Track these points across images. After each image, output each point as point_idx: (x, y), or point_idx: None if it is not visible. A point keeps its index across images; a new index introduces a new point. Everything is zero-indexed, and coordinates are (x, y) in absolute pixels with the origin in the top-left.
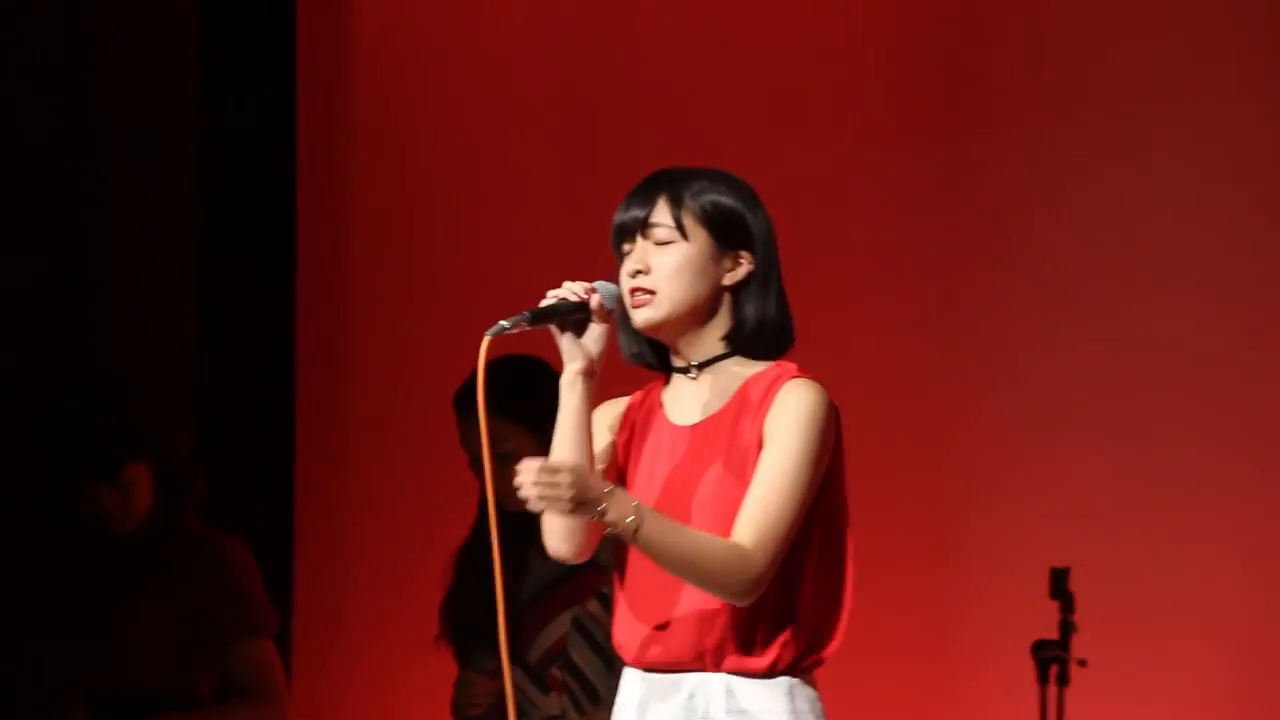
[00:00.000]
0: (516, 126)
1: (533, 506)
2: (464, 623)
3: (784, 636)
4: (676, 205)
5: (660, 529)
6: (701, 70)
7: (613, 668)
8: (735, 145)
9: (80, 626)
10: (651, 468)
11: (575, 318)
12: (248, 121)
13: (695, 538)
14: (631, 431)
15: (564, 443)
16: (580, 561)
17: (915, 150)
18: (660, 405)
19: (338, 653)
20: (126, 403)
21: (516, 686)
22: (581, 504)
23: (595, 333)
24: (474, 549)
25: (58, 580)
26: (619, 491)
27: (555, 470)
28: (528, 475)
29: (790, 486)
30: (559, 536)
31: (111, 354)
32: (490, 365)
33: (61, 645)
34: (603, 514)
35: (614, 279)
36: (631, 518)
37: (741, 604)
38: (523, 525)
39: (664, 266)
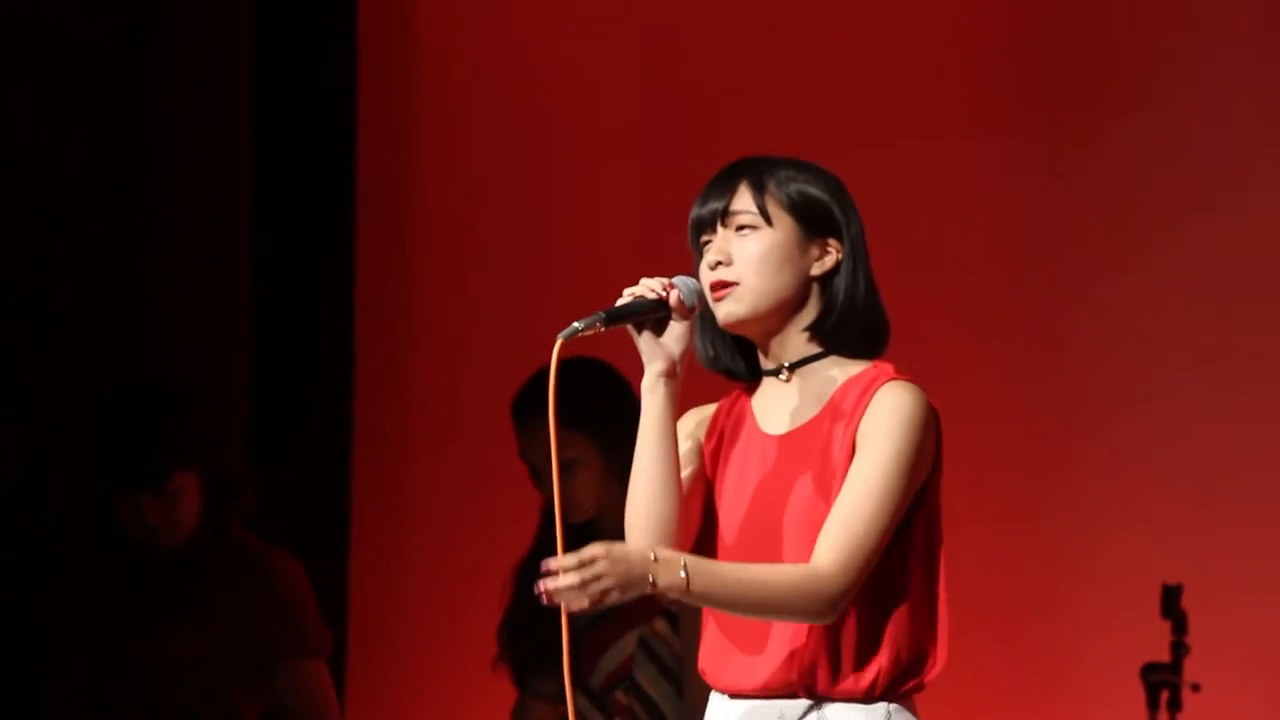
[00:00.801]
0: (587, 116)
1: (578, 606)
2: (522, 643)
3: (881, 659)
4: (759, 191)
5: (715, 577)
6: (793, 59)
7: (681, 692)
8: (833, 137)
9: (123, 644)
10: (740, 479)
11: (654, 316)
12: (305, 115)
13: (758, 575)
14: (720, 439)
15: (647, 449)
16: None
17: (1026, 146)
18: (750, 411)
19: (393, 675)
20: (173, 408)
21: (578, 712)
22: (630, 584)
23: (676, 331)
24: (534, 564)
25: (100, 596)
26: (662, 553)
27: (590, 561)
28: (564, 579)
29: (879, 499)
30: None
31: (160, 358)
32: (549, 369)
33: (103, 663)
34: (653, 585)
35: (693, 275)
36: (681, 575)
37: (824, 623)
38: (586, 538)
39: (747, 255)
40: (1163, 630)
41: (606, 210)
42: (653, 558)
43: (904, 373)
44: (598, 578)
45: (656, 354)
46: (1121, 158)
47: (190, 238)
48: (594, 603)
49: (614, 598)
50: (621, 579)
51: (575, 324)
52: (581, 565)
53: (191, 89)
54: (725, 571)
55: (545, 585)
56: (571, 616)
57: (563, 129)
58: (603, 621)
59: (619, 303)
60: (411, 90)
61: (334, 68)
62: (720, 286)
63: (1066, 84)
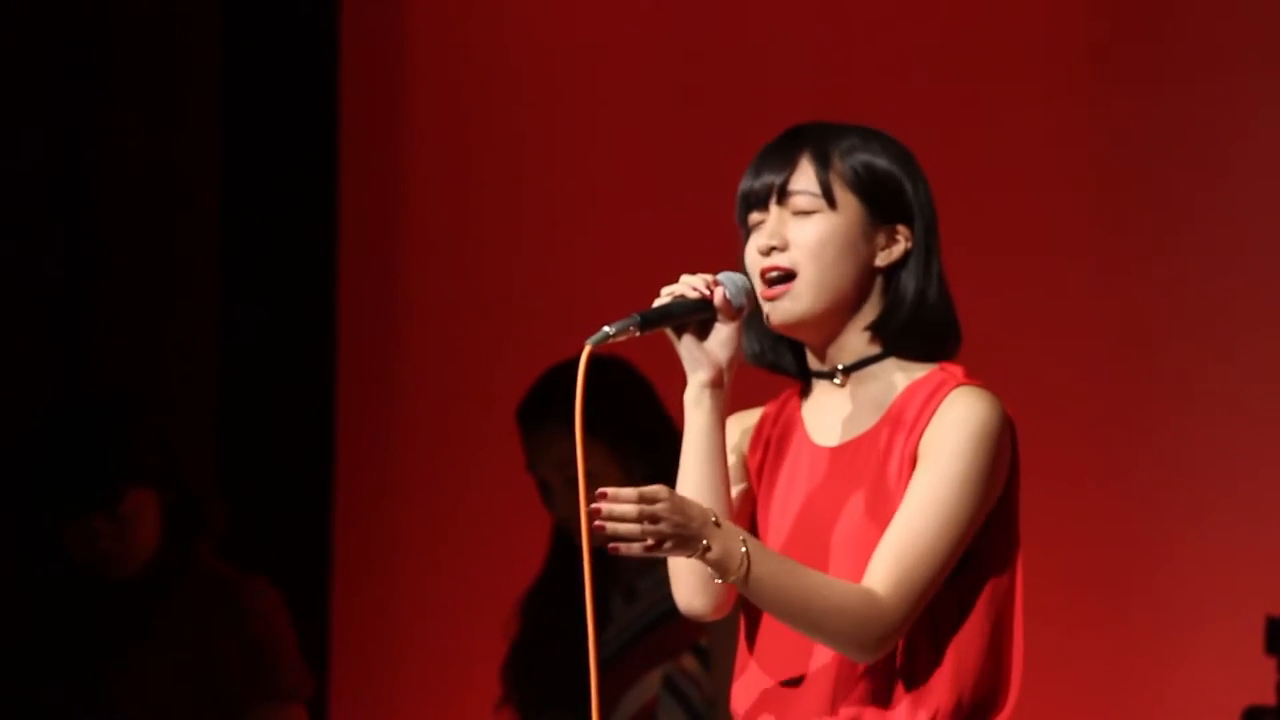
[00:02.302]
0: (592, 102)
1: (624, 550)
2: (531, 684)
3: (941, 699)
4: (824, 167)
5: (774, 569)
6: (833, 8)
7: None
8: (881, 102)
9: (72, 688)
10: (787, 496)
11: (697, 319)
12: (281, 99)
13: (816, 582)
14: (766, 451)
15: (692, 472)
16: (718, 617)
17: (1106, 104)
18: (800, 419)
19: None
20: (127, 419)
21: None
22: (682, 540)
23: (722, 335)
24: (544, 594)
25: (45, 634)
26: (726, 523)
27: (652, 500)
28: (618, 506)
29: (942, 520)
30: (691, 588)
31: (116, 364)
32: (561, 370)
33: (51, 710)
34: (705, 551)
35: (734, 268)
36: (740, 550)
37: (865, 660)
38: (603, 563)
39: (805, 241)
40: (1268, 669)
41: (611, 204)
42: (714, 521)
43: (976, 377)
44: (655, 519)
45: (701, 361)
46: (1240, 116)
47: (149, 232)
48: (644, 548)
49: (666, 548)
50: (678, 529)
51: (606, 328)
52: (641, 499)
53: (152, 74)
54: (784, 566)
55: (601, 509)
56: (588, 649)
57: (565, 116)
58: (625, 658)
59: (656, 303)
60: (399, 69)
61: (313, 49)
62: (772, 273)
63: (1169, 29)
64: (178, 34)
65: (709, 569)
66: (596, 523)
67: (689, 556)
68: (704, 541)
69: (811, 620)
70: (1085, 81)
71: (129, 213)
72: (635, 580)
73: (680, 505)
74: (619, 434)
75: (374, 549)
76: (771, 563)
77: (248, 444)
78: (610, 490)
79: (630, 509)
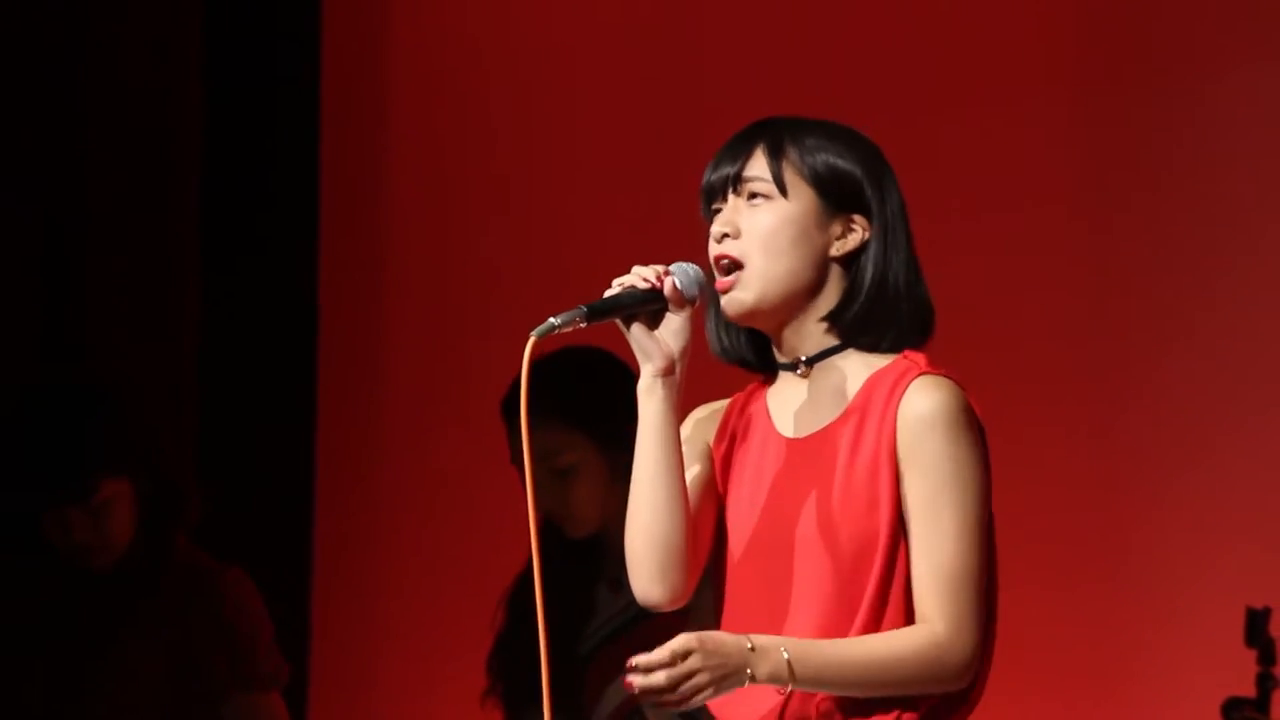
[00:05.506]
0: (572, 95)
1: (670, 707)
2: (516, 675)
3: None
4: (775, 157)
5: (823, 658)
6: (807, 10)
7: None
8: (857, 104)
9: (47, 680)
10: (755, 488)
11: (647, 309)
12: (262, 87)
13: (874, 651)
14: (731, 443)
15: (647, 461)
16: (677, 607)
17: (1080, 115)
18: (766, 411)
19: (362, 711)
20: (99, 407)
21: None
22: (727, 677)
23: (673, 325)
24: (530, 584)
25: (19, 625)
26: (759, 640)
27: (683, 655)
28: (654, 679)
29: (962, 530)
30: (648, 576)
31: (96, 353)
32: (543, 363)
33: (25, 703)
34: (753, 677)
35: (699, 261)
36: (784, 661)
37: (960, 689)
38: (588, 554)
39: (756, 228)
40: (1247, 660)
41: (590, 198)
42: (749, 647)
43: (938, 365)
44: (690, 674)
45: (652, 351)
46: (1232, 123)
47: (132, 222)
48: (683, 700)
49: (708, 695)
50: (716, 673)
51: (552, 319)
52: (673, 661)
53: (135, 56)
54: (834, 651)
55: (634, 682)
56: (573, 642)
57: (544, 111)
58: (609, 650)
59: (607, 294)
60: (380, 59)
61: (295, 45)
62: (723, 260)
63: (1158, 35)
64: (161, 31)
65: (669, 562)
66: (634, 692)
67: (742, 684)
68: (748, 671)
69: (888, 689)
70: (1072, 81)
71: (111, 203)
72: (620, 572)
73: (714, 648)
74: (602, 423)
75: (354, 539)
76: (820, 657)
77: (228, 434)
78: (639, 660)
79: (661, 678)
